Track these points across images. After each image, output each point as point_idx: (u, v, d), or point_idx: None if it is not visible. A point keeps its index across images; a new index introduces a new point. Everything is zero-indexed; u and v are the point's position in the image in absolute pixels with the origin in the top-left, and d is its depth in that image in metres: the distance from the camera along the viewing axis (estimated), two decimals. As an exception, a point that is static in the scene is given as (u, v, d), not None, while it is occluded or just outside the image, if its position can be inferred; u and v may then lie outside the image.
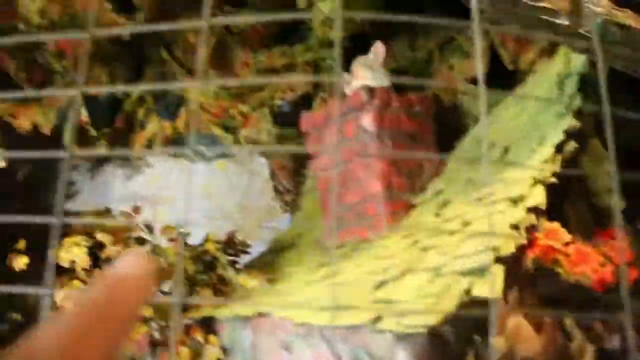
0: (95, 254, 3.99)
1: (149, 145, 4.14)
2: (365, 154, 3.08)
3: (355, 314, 2.14)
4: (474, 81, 3.28)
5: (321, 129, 3.29)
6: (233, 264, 3.16)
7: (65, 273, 3.90)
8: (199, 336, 2.94)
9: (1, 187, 4.05)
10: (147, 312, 2.90)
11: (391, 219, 2.95)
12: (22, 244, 3.96)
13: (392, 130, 3.15)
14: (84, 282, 3.95)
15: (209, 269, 3.03)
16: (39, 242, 3.77)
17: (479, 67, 0.74)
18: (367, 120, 3.06)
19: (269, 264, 3.24)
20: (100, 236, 3.97)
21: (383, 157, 3.07)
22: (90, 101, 4.03)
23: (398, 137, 3.15)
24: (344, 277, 2.61)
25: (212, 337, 2.97)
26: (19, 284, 4.13)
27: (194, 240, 3.27)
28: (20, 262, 3.91)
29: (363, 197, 3.08)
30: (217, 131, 3.95)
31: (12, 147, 3.83)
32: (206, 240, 3.13)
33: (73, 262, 3.92)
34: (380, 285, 2.30)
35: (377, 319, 2.06)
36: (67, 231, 4.04)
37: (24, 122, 3.85)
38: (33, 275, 3.98)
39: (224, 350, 3.00)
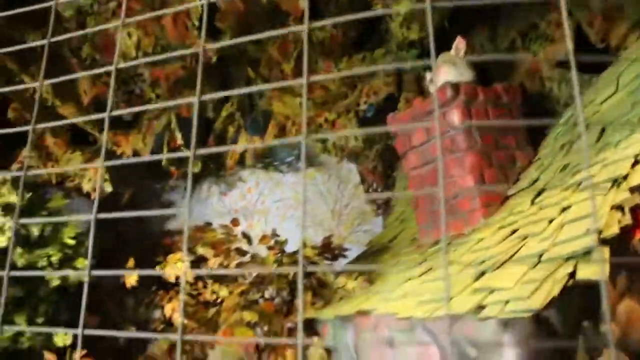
0: (198, 267, 4.21)
1: (241, 161, 4.32)
2: (455, 149, 3.06)
3: (457, 304, 2.14)
4: (560, 66, 3.20)
5: (408, 129, 3.32)
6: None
7: (171, 288, 4.14)
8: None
9: (108, 210, 4.37)
10: (253, 317, 3.02)
11: (486, 212, 2.92)
12: (131, 262, 4.25)
13: (480, 123, 3.13)
14: (189, 294, 4.17)
15: (309, 273, 3.11)
16: (145, 260, 4.04)
17: (570, 49, 0.75)
18: (454, 116, 3.06)
19: (367, 264, 3.29)
20: (202, 251, 4.19)
21: (473, 151, 3.04)
22: (183, 123, 4.26)
23: (487, 130, 3.12)
24: (442, 272, 2.61)
25: (316, 339, 3.04)
26: (131, 298, 4.42)
27: (291, 247, 3.37)
28: (132, 280, 4.18)
29: (456, 192, 3.07)
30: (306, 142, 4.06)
31: (117, 172, 4.13)
32: (305, 246, 3.21)
33: (178, 277, 4.16)
34: (481, 275, 2.29)
35: (480, 307, 2.05)
36: (171, 248, 4.29)
37: (126, 149, 4.12)
38: (142, 290, 4.25)
39: (327, 351, 3.07)
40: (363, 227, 4.52)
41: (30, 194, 3.42)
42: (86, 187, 3.74)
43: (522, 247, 2.34)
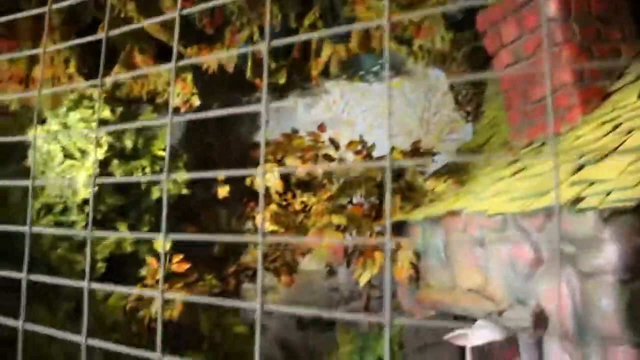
0: (287, 178, 4.30)
1: (326, 71, 4.27)
2: (551, 43, 2.86)
3: (552, 197, 2.06)
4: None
5: (499, 25, 3.13)
6: (421, 172, 3.20)
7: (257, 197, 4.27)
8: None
9: (197, 124, 4.51)
10: (341, 220, 3.07)
11: (585, 109, 2.74)
12: (222, 177, 4.41)
13: (579, 14, 2.88)
14: (278, 205, 4.28)
15: (398, 177, 3.09)
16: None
17: None
18: (551, 7, 2.84)
19: (456, 169, 3.22)
20: (290, 161, 4.25)
21: (571, 44, 2.82)
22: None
23: (587, 21, 2.88)
24: (535, 170, 2.51)
25: (404, 242, 3.06)
26: (223, 209, 4.62)
27: (379, 153, 3.36)
28: (224, 191, 4.35)
29: (552, 90, 2.90)
30: (391, 45, 3.94)
31: (204, 87, 4.21)
32: (392, 150, 3.18)
33: (267, 188, 4.27)
34: (579, 168, 2.18)
35: (578, 199, 1.96)
36: (259, 160, 4.39)
37: (211, 63, 4.17)
38: (233, 200, 4.41)
39: (416, 253, 3.08)
40: (452, 135, 4.41)
41: (121, 108, 3.57)
42: (175, 101, 3.86)
43: (626, 140, 2.19)
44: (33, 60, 3.41)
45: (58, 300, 2.94)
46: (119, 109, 3.56)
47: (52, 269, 2.98)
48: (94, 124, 3.30)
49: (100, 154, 3.36)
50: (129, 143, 3.52)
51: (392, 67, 4.43)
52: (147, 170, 3.63)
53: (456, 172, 3.20)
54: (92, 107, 3.41)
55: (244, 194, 4.41)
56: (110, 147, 3.43)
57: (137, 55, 3.71)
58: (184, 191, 4.01)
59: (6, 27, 3.26)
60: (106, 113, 3.47)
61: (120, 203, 3.62)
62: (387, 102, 3.79)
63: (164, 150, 3.63)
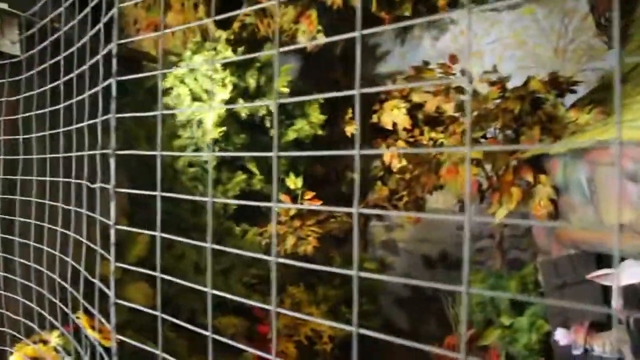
0: (414, 114, 4.20)
1: (453, 1, 4.05)
2: None
3: None
4: None
5: None
6: (561, 102, 2.98)
7: (389, 135, 4.22)
8: (528, 176, 2.89)
9: (323, 61, 4.49)
10: (477, 155, 2.95)
11: None
12: (349, 113, 4.39)
13: None
14: (406, 142, 4.21)
15: (536, 107, 2.90)
16: (364, 110, 4.12)
17: None
18: None
19: (601, 99, 2.96)
20: (416, 96, 4.14)
21: None
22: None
23: None
24: None
25: (543, 177, 2.90)
26: (350, 146, 4.63)
27: (514, 84, 3.16)
28: (351, 128, 4.34)
29: None
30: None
31: (329, 23, 4.16)
32: (529, 80, 2.98)
33: (395, 124, 4.21)
34: None
35: None
36: (385, 97, 4.32)
37: (336, -1, 4.06)
38: (361, 138, 4.40)
39: (556, 188, 2.91)
40: (592, 64, 4.05)
41: (242, 48, 3.60)
42: (301, 39, 3.85)
43: None
44: (167, 8, 3.54)
45: (202, 236, 3.13)
46: (240, 49, 3.59)
47: (196, 206, 3.16)
48: (217, 65, 3.36)
49: (225, 93, 3.41)
50: (251, 82, 3.56)
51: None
52: (272, 107, 3.67)
53: (601, 102, 2.95)
54: (215, 49, 3.48)
55: (371, 131, 4.39)
56: (234, 86, 3.47)
57: (262, -6, 3.73)
58: (319, 132, 4.04)
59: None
60: (228, 53, 3.51)
61: (247, 142, 3.68)
62: (519, 31, 3.52)
63: (286, 86, 3.65)
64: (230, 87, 3.40)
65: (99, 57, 1.45)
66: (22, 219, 2.13)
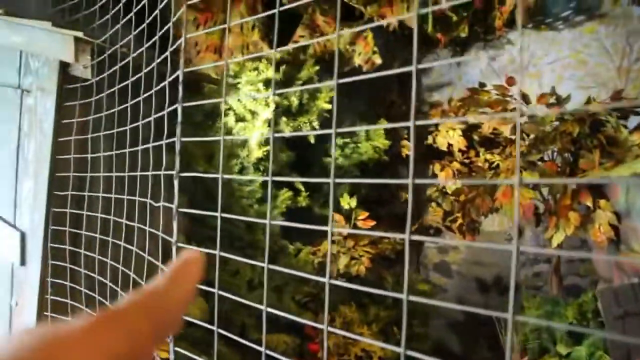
0: (470, 135, 4.17)
1: (510, 21, 4.02)
2: None
3: None
4: None
5: None
6: (624, 124, 2.90)
7: (444, 156, 4.20)
8: (587, 201, 2.82)
9: (379, 81, 4.51)
10: (533, 177, 2.91)
11: None
12: (405, 135, 4.41)
13: None
14: (461, 163, 4.18)
15: (597, 130, 2.84)
16: (419, 132, 4.11)
17: None
18: None
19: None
20: (473, 119, 4.11)
21: None
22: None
23: None
24: None
25: (603, 202, 2.82)
26: (406, 167, 4.62)
27: (573, 105, 3.10)
28: (406, 150, 4.35)
29: None
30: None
31: (385, 44, 4.20)
32: (589, 101, 2.92)
33: (450, 145, 4.19)
34: None
35: None
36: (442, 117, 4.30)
37: (390, 19, 4.11)
38: (417, 160, 4.39)
39: (617, 214, 2.83)
40: (657, 85, 3.92)
41: (284, 66, 3.63)
42: (357, 60, 3.89)
43: None
44: (225, 31, 3.64)
45: (256, 253, 3.19)
46: (282, 67, 3.61)
47: (250, 223, 3.23)
48: (259, 85, 3.40)
49: (268, 112, 3.44)
50: (294, 100, 3.57)
51: (584, 10, 4.03)
52: (315, 123, 3.68)
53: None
54: (257, 69, 3.51)
55: (426, 153, 4.38)
56: (277, 105, 3.50)
57: (319, 17, 3.80)
58: (384, 157, 4.06)
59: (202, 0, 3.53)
60: (270, 73, 3.53)
61: (292, 159, 3.67)
62: (579, 50, 3.45)
63: (329, 103, 3.65)
64: (272, 106, 3.43)
65: (165, 82, 1.53)
66: (87, 233, 2.24)
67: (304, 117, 3.44)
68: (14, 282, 2.45)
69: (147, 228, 1.76)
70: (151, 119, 1.68)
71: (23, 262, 2.40)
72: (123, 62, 2.00)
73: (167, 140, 1.49)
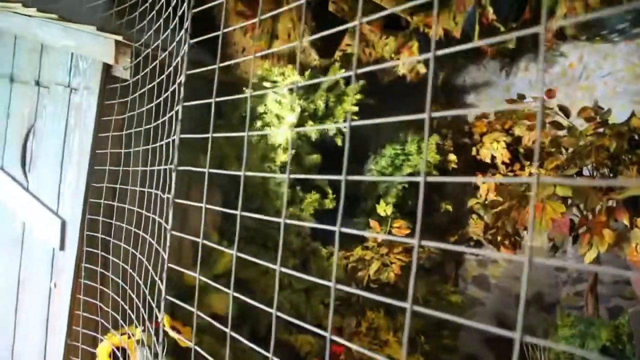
0: (515, 148, 4.09)
1: (561, 32, 3.92)
2: None
3: None
4: None
5: None
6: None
7: (487, 168, 4.14)
8: (624, 219, 2.72)
9: (421, 90, 4.50)
10: (566, 192, 2.84)
11: None
12: (447, 145, 4.37)
13: None
14: (505, 176, 4.11)
15: (636, 146, 2.74)
16: (462, 142, 4.06)
17: None
18: None
19: None
20: (518, 131, 4.04)
21: None
22: (496, -1, 4.02)
23: None
24: None
25: (639, 220, 2.71)
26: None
27: (617, 119, 3.00)
28: (452, 162, 4.30)
29: None
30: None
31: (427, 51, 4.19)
32: (632, 116, 2.82)
33: (493, 157, 4.13)
34: None
35: None
36: (487, 130, 4.25)
37: (437, 30, 4.11)
38: (459, 170, 4.34)
39: (657, 235, 2.70)
40: None
41: (308, 70, 3.60)
42: (401, 70, 3.92)
43: None
44: (274, 37, 3.78)
45: (286, 254, 3.27)
46: (307, 71, 3.58)
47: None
48: (283, 90, 3.40)
49: (294, 116, 3.44)
50: (320, 103, 3.54)
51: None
52: (343, 127, 3.66)
53: None
54: (283, 74, 3.51)
55: (470, 165, 4.33)
56: (303, 110, 3.47)
57: (365, 25, 3.85)
58: (435, 172, 4.03)
59: (249, 6, 3.66)
60: (295, 77, 3.53)
61: (319, 163, 3.64)
62: (635, 64, 3.33)
63: (356, 105, 3.57)
64: (298, 110, 3.40)
65: (175, 85, 1.64)
66: (118, 223, 2.39)
67: (329, 120, 3.47)
68: (54, 266, 2.64)
69: (151, 215, 1.87)
70: (166, 118, 1.79)
71: (62, 247, 2.59)
72: (153, 63, 2.14)
73: (173, 137, 1.59)
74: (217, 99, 1.24)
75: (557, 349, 3.08)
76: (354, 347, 0.97)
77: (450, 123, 4.37)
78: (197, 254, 3.16)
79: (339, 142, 3.42)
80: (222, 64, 1.27)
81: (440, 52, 0.83)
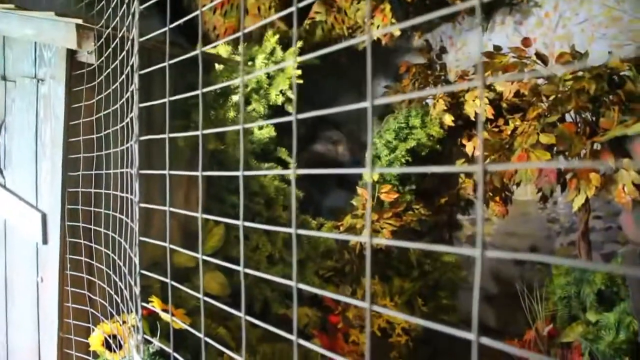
0: (498, 103, 4.05)
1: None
2: None
3: None
4: None
5: None
6: (644, 78, 2.74)
7: (472, 125, 4.11)
8: (609, 161, 2.70)
9: (400, 52, 4.45)
10: (550, 140, 2.81)
11: None
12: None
13: None
14: (490, 132, 4.08)
15: (616, 86, 2.70)
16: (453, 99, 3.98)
17: None
18: None
19: None
20: (500, 86, 3.99)
21: None
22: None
23: None
24: None
25: (626, 161, 2.69)
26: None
27: (594, 62, 2.96)
28: (449, 120, 4.23)
29: None
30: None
31: (403, 15, 4.12)
32: (610, 57, 2.79)
33: (476, 114, 4.08)
34: None
35: None
36: (468, 87, 4.20)
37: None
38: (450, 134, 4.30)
39: (643, 174, 2.69)
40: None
41: (244, 44, 3.53)
42: (375, 34, 3.86)
43: None
44: (244, 12, 3.70)
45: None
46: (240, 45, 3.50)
47: (269, 199, 3.28)
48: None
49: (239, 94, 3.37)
50: (261, 76, 3.42)
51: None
52: (289, 93, 3.55)
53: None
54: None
55: (458, 124, 4.29)
56: (246, 85, 3.37)
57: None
58: (437, 147, 3.98)
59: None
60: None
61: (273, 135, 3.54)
62: (612, 7, 3.28)
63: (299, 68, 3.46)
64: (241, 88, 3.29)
65: (132, 57, 1.59)
66: (98, 209, 2.35)
67: (274, 89, 3.38)
68: (39, 260, 2.61)
69: (125, 195, 1.83)
70: (127, 96, 1.75)
71: (45, 241, 2.55)
72: (114, 42, 2.08)
73: (131, 115, 1.55)
74: (170, 62, 1.20)
75: (554, 297, 3.08)
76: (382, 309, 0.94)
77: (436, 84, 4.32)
78: (185, 236, 3.11)
79: (289, 108, 3.34)
80: (171, 25, 1.22)
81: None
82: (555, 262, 0.64)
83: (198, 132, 1.17)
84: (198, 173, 1.14)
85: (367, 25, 0.66)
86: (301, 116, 0.86)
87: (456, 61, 4.40)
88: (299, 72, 3.20)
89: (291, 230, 0.85)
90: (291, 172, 0.84)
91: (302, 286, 0.88)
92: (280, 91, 3.37)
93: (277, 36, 3.50)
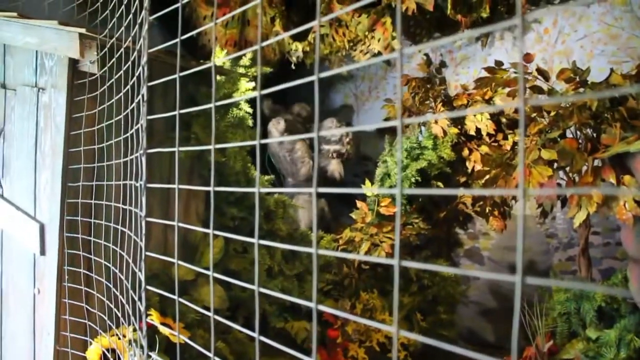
0: (498, 118, 4.06)
1: (535, -2, 3.90)
2: None
3: None
4: None
5: None
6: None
7: (473, 139, 4.11)
8: (611, 177, 2.70)
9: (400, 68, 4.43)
10: (551, 155, 2.81)
11: None
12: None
13: None
14: (489, 146, 4.08)
15: (618, 102, 2.71)
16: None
17: None
18: None
19: None
20: (499, 100, 4.00)
21: None
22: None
23: None
24: None
25: (627, 177, 2.69)
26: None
27: (597, 80, 2.97)
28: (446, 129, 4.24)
29: None
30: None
31: (404, 29, 4.13)
32: (611, 73, 2.80)
33: (478, 129, 4.09)
34: None
35: None
36: (469, 102, 4.21)
37: (410, 4, 4.02)
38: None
39: (645, 190, 2.69)
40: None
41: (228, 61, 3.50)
42: (376, 47, 3.87)
43: None
44: (244, 24, 3.70)
45: (274, 241, 3.22)
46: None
47: (269, 212, 3.26)
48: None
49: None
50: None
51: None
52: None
53: None
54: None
55: (459, 139, 4.29)
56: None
57: (336, 4, 3.78)
58: (447, 169, 3.97)
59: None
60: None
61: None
62: (610, 25, 3.30)
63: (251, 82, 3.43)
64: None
65: (140, 68, 1.57)
66: (98, 221, 2.33)
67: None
68: (36, 271, 2.57)
69: (127, 208, 1.81)
70: (133, 105, 1.73)
71: (43, 252, 2.51)
72: (119, 52, 2.07)
73: (141, 122, 1.53)
74: (181, 74, 1.18)
75: (553, 313, 3.06)
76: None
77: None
78: (184, 250, 3.07)
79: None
80: (183, 37, 1.21)
81: None
82: (552, 284, 0.63)
83: (210, 147, 1.15)
84: (210, 188, 1.12)
85: (399, 47, 0.65)
86: (323, 133, 0.84)
87: (456, 75, 4.41)
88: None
89: (312, 250, 0.84)
90: (312, 190, 0.82)
91: (322, 308, 0.86)
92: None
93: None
